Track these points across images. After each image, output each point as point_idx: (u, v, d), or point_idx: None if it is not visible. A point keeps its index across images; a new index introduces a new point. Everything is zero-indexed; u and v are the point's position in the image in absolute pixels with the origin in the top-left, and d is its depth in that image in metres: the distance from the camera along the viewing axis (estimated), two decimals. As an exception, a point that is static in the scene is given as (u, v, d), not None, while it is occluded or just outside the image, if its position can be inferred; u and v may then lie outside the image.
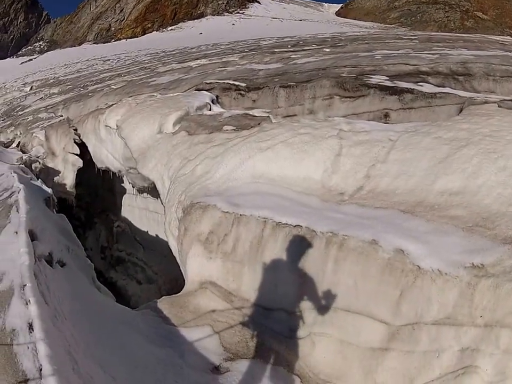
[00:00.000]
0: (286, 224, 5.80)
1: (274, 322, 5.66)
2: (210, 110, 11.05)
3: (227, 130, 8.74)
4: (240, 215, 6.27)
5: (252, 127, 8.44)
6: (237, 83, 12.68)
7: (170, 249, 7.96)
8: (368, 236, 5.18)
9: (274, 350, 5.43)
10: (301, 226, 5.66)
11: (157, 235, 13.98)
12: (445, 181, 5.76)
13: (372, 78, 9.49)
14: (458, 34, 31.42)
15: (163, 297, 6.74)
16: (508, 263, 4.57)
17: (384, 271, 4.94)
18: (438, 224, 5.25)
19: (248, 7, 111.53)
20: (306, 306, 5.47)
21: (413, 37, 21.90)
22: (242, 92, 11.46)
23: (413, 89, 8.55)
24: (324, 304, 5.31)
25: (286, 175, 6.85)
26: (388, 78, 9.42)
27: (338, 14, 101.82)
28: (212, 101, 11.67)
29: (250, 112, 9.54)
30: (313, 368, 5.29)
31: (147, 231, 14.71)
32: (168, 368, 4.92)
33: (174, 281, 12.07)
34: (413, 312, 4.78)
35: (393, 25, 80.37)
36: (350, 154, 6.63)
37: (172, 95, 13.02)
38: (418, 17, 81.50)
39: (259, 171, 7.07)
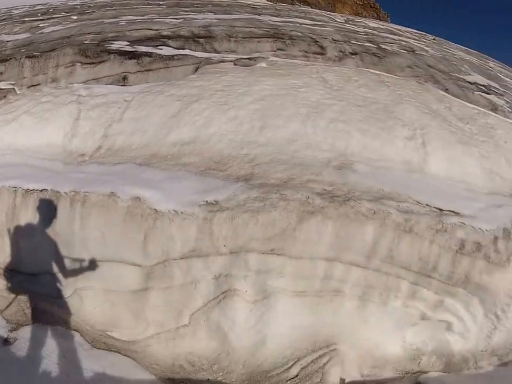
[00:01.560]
0: (34, 190, 5.91)
1: (42, 286, 5.80)
2: (-43, 88, 10.52)
3: (-28, 106, 8.35)
4: (-8, 188, 6.21)
5: (-2, 100, 8.23)
6: (-17, 57, 11.98)
7: None
8: (107, 189, 5.52)
9: (48, 312, 5.63)
10: (47, 190, 5.81)
11: None
12: (177, 133, 6.28)
13: (113, 44, 9.58)
14: (208, -1, 31.98)
15: None
16: (242, 197, 5.23)
17: (126, 219, 5.32)
18: (172, 172, 5.76)
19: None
20: (65, 265, 5.68)
21: (161, 3, 22.11)
22: (-11, 66, 10.98)
23: (152, 52, 8.79)
24: (80, 259, 5.59)
25: (31, 144, 6.89)
26: (128, 43, 9.56)
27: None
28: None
29: (-2, 85, 9.29)
30: (88, 321, 5.57)
31: None
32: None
33: None
34: (159, 251, 5.23)
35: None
36: (88, 118, 6.88)
37: None
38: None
39: (6, 143, 7.01)
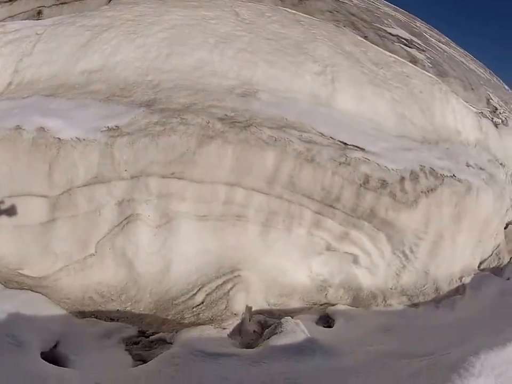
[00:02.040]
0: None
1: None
2: None
3: None
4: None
5: None
6: None
7: None
8: (13, 123, 5.44)
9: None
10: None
11: None
12: (85, 62, 6.24)
13: (33, -20, 9.48)
14: None
15: None
16: (143, 122, 5.30)
17: (31, 150, 5.27)
18: (78, 100, 5.72)
19: None
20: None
21: None
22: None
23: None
24: None
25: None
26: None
27: None
28: None
29: None
30: (1, 261, 5.47)
31: None
32: None
33: None
34: (64, 180, 5.23)
35: None
36: (0, 55, 6.67)
37: None
38: None
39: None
